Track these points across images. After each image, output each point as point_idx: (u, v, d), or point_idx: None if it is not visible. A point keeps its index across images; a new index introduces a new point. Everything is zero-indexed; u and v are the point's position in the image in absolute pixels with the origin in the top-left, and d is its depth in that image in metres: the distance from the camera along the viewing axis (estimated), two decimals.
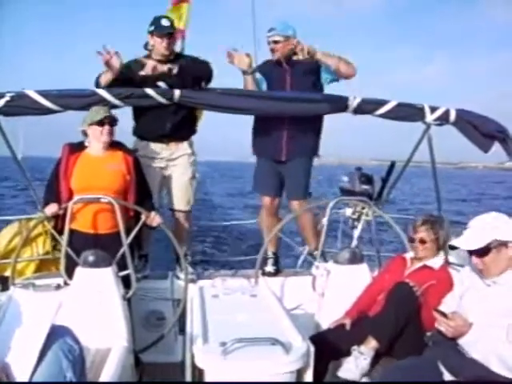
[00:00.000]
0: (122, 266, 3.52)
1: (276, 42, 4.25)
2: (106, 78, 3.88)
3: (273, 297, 3.37)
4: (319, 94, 4.28)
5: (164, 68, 3.92)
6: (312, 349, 2.55)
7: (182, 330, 3.70)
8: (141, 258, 4.25)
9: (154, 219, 3.71)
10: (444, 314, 2.70)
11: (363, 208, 4.68)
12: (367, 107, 4.02)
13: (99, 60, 3.80)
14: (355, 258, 3.80)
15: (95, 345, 3.02)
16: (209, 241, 12.04)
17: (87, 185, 3.64)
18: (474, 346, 2.60)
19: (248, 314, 2.99)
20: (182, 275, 4.12)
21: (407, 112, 4.03)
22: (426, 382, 2.69)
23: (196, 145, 4.47)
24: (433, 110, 3.99)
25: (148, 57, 4.17)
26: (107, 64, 3.82)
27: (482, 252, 2.65)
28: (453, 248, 2.89)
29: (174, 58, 4.19)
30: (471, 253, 2.72)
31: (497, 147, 4.03)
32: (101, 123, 3.64)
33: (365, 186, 4.92)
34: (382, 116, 4.02)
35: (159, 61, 4.10)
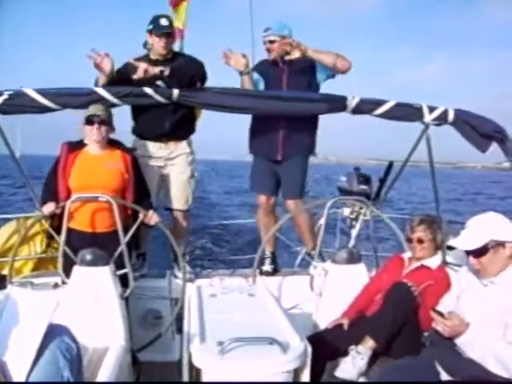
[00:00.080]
0: (119, 264, 3.53)
1: (272, 42, 4.26)
2: (102, 80, 3.89)
3: (270, 296, 3.37)
4: (318, 94, 4.28)
5: (156, 70, 3.91)
6: (309, 348, 2.55)
7: (180, 329, 3.69)
8: (138, 256, 4.25)
9: (152, 218, 3.71)
10: (441, 314, 2.70)
11: (361, 208, 4.69)
12: (366, 107, 4.02)
13: (91, 63, 3.81)
14: (353, 258, 3.80)
15: (92, 343, 3.02)
16: (206, 240, 12.04)
17: (85, 183, 3.64)
18: (470, 346, 2.60)
19: (245, 313, 2.99)
20: (179, 274, 4.12)
21: (405, 112, 4.03)
22: (423, 381, 2.69)
23: (193, 144, 4.47)
24: (431, 109, 3.99)
25: (144, 57, 4.17)
26: (98, 66, 3.83)
27: (479, 252, 2.65)
28: (450, 248, 2.89)
29: (172, 57, 4.19)
30: (468, 253, 2.72)
31: (495, 147, 4.03)
32: (90, 122, 3.63)
33: (363, 186, 4.93)
34: (381, 116, 4.02)
35: (156, 60, 4.10)
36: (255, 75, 4.35)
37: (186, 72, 4.05)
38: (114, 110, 3.86)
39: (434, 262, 3.36)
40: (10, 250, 4.15)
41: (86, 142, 3.75)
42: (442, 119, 4.01)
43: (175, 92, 3.85)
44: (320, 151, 4.57)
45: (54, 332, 2.20)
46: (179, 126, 4.22)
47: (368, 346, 3.01)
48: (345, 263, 3.78)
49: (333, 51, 4.19)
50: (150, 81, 3.92)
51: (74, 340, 2.27)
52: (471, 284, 2.80)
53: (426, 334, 2.97)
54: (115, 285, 3.38)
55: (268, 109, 4.06)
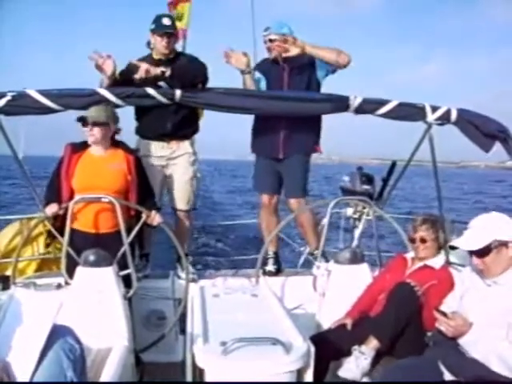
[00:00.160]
0: (122, 265, 3.53)
1: (272, 41, 4.27)
2: (105, 84, 3.91)
3: (273, 296, 3.37)
4: (320, 94, 4.28)
5: (157, 71, 3.90)
6: (312, 349, 2.55)
7: (183, 330, 3.70)
8: (142, 257, 4.25)
9: (155, 218, 3.71)
10: (444, 314, 2.70)
11: (364, 208, 4.68)
12: (368, 107, 4.01)
13: (91, 63, 3.82)
14: (356, 258, 3.80)
15: (96, 344, 3.02)
16: (209, 240, 12.05)
17: (88, 184, 3.65)
18: (474, 346, 2.60)
19: (248, 313, 2.99)
20: (182, 275, 4.12)
21: (408, 112, 4.02)
22: (426, 381, 2.69)
23: (196, 144, 4.47)
24: (434, 109, 3.98)
25: (147, 56, 4.17)
26: (99, 68, 3.84)
27: (483, 252, 2.65)
28: (453, 248, 2.89)
29: (174, 56, 4.19)
30: (472, 253, 2.72)
31: (498, 147, 4.02)
32: (85, 123, 3.64)
33: (366, 186, 4.92)
34: (383, 116, 4.01)
35: (158, 60, 4.10)
36: (257, 74, 4.36)
37: (188, 73, 4.04)
38: (117, 111, 3.87)
39: (437, 261, 3.35)
40: (14, 250, 4.17)
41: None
42: (444, 119, 4.00)
43: (178, 93, 3.85)
44: (323, 151, 4.56)
45: (57, 333, 2.21)
46: (181, 125, 4.23)
47: (371, 346, 3.01)
48: (348, 263, 3.78)
49: (331, 46, 4.21)
50: (151, 81, 3.92)
51: (78, 341, 2.27)
52: (474, 284, 2.79)
53: (429, 333, 2.97)
54: (118, 285, 3.39)
55: (270, 109, 4.06)
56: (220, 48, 4.17)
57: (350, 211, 5.00)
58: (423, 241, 3.36)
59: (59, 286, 3.61)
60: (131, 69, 3.99)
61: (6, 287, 3.62)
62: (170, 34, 4.09)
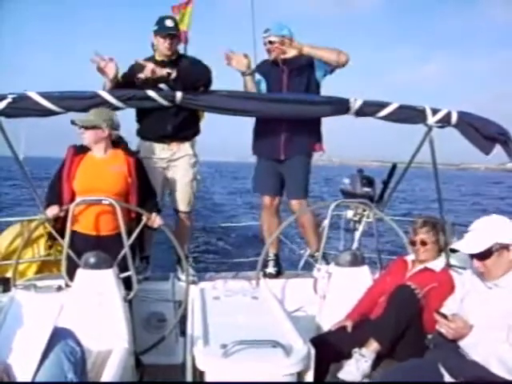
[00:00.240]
0: (123, 267, 3.53)
1: (271, 43, 4.28)
2: (107, 86, 3.92)
3: (274, 299, 3.36)
4: (321, 97, 4.29)
5: (163, 72, 3.91)
6: (313, 351, 2.55)
7: (183, 332, 3.69)
8: (142, 259, 4.24)
9: (155, 221, 3.71)
10: (445, 316, 2.70)
11: (364, 210, 4.69)
12: (369, 109, 4.02)
13: (92, 65, 3.83)
14: (356, 261, 3.79)
15: (96, 346, 3.03)
16: (210, 241, 12.05)
17: (89, 187, 3.65)
18: (474, 348, 2.60)
19: (249, 316, 2.99)
20: (183, 277, 4.12)
21: (409, 114, 4.03)
22: (426, 382, 2.69)
23: (197, 146, 4.47)
24: (434, 112, 3.99)
25: (151, 58, 4.18)
26: (101, 71, 3.85)
27: (484, 255, 2.65)
28: (454, 251, 2.89)
29: (177, 58, 4.20)
30: (472, 256, 2.71)
31: (498, 149, 4.02)
32: (79, 126, 3.67)
33: (366, 189, 4.92)
34: (384, 118, 4.02)
35: (161, 61, 4.11)
36: (257, 76, 4.37)
37: (192, 75, 4.04)
38: (118, 113, 3.87)
39: (437, 264, 3.35)
40: (14, 252, 4.18)
41: None
42: (445, 121, 4.00)
43: (178, 95, 3.86)
44: (325, 149, 4.56)
45: (58, 335, 2.21)
46: (182, 127, 4.23)
47: (372, 348, 3.01)
48: (348, 266, 3.78)
49: (329, 46, 4.22)
50: (155, 82, 3.93)
51: (79, 343, 2.28)
52: (475, 286, 2.79)
53: (429, 336, 2.97)
54: (119, 288, 3.39)
55: (271, 111, 4.06)
56: (220, 50, 4.18)
57: (350, 213, 5.00)
58: (423, 243, 3.36)
59: (60, 288, 3.60)
60: (137, 68, 4.00)
61: (6, 289, 3.62)
62: (173, 35, 4.10)
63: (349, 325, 3.27)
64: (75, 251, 3.54)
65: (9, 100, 3.61)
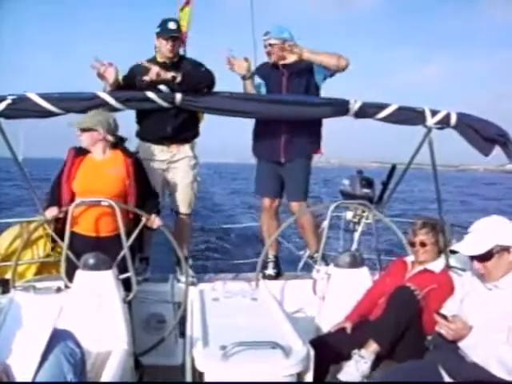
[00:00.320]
0: (122, 268, 3.53)
1: (272, 45, 4.28)
2: (107, 91, 3.91)
3: (273, 300, 3.37)
4: (320, 98, 4.29)
5: (168, 75, 3.90)
6: (312, 352, 2.55)
7: (183, 333, 3.69)
8: (142, 260, 4.25)
9: (154, 221, 3.71)
10: (445, 317, 2.70)
11: (364, 211, 4.69)
12: (368, 111, 4.02)
13: (94, 72, 3.84)
14: (356, 262, 3.80)
15: (95, 347, 3.03)
16: (209, 242, 12.04)
17: (88, 188, 3.66)
18: (474, 350, 2.60)
19: (248, 317, 2.99)
20: (182, 278, 4.11)
21: (408, 116, 4.03)
22: (426, 382, 2.69)
23: (196, 148, 4.47)
24: (433, 113, 3.99)
25: (152, 59, 4.19)
26: (101, 76, 3.85)
27: (485, 257, 2.65)
28: (454, 252, 2.89)
29: (178, 60, 4.20)
30: (473, 257, 2.71)
31: (497, 150, 4.03)
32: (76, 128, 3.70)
33: (365, 190, 4.93)
34: (383, 120, 4.02)
35: (163, 63, 4.10)
36: (257, 79, 4.37)
37: (196, 79, 4.02)
38: (117, 114, 3.87)
39: (437, 265, 3.35)
40: (13, 254, 4.17)
41: None
42: (444, 123, 4.00)
43: (178, 96, 3.86)
44: (323, 152, 4.56)
45: (58, 337, 2.21)
46: (182, 129, 4.23)
47: (371, 349, 3.01)
48: (347, 267, 3.78)
49: (329, 51, 4.21)
50: (158, 85, 3.92)
51: (79, 345, 2.28)
52: (475, 288, 2.79)
53: (429, 337, 2.97)
54: (118, 289, 3.39)
55: (271, 113, 4.07)
56: (220, 51, 4.19)
57: (349, 215, 5.00)
58: (423, 244, 3.36)
59: (59, 290, 3.60)
60: (141, 70, 3.99)
61: (5, 291, 3.61)
62: (175, 37, 4.10)
63: (348, 326, 3.27)
64: (75, 252, 3.54)
65: (8, 101, 3.61)
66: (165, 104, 3.87)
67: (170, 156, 4.29)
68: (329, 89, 4.43)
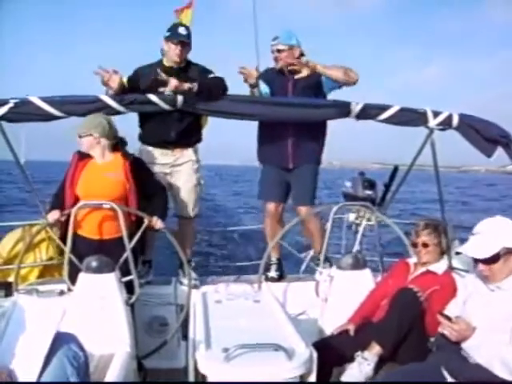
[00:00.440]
0: (125, 271, 3.53)
1: (280, 51, 4.27)
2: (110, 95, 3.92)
3: (276, 302, 3.37)
4: (322, 100, 4.28)
5: (185, 87, 3.90)
6: (315, 355, 2.55)
7: (185, 336, 3.69)
8: (144, 263, 4.25)
9: (157, 223, 3.71)
10: (448, 318, 2.70)
11: (366, 213, 4.68)
12: (370, 112, 4.02)
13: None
14: (358, 264, 3.79)
15: (98, 350, 3.02)
16: (212, 245, 12.04)
17: (89, 192, 3.66)
18: (477, 351, 2.60)
19: (251, 319, 2.99)
20: (185, 281, 4.11)
21: (410, 117, 4.03)
22: (426, 381, 2.68)
23: (199, 152, 4.48)
24: (435, 114, 3.99)
25: (159, 62, 4.20)
26: (105, 84, 3.86)
27: (491, 260, 2.64)
28: (458, 253, 2.89)
29: (185, 66, 4.20)
30: (478, 259, 2.70)
31: (500, 151, 4.02)
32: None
33: (368, 191, 4.93)
34: (385, 121, 4.02)
35: (170, 68, 4.10)
36: (264, 89, 4.34)
37: (211, 88, 4.02)
38: (117, 117, 3.88)
39: (439, 267, 3.34)
40: (16, 257, 4.17)
41: None
42: (446, 124, 4.00)
43: (180, 99, 3.86)
44: (324, 155, 4.56)
45: (61, 340, 2.21)
46: (185, 133, 4.23)
47: (374, 351, 3.00)
48: (350, 269, 3.77)
49: (339, 64, 4.20)
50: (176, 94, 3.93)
51: (82, 348, 2.28)
52: (477, 289, 2.79)
53: (432, 339, 2.96)
54: (121, 291, 3.39)
55: (272, 115, 4.07)
56: (236, 67, 4.20)
57: (352, 216, 5.00)
58: (425, 245, 3.36)
59: (62, 293, 3.60)
60: (158, 83, 3.97)
61: (8, 294, 3.61)
62: (185, 43, 4.10)
63: (351, 328, 3.27)
64: (78, 255, 3.54)
65: (11, 105, 3.63)
66: (166, 106, 3.88)
67: (174, 160, 4.29)
68: (330, 94, 4.43)
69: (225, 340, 2.57)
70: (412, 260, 3.49)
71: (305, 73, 4.20)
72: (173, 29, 4.11)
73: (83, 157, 3.75)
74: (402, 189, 4.46)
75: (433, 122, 3.98)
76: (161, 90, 3.93)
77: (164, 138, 4.21)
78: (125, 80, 4.00)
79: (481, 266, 2.70)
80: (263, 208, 4.64)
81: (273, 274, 4.48)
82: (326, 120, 4.31)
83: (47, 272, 4.57)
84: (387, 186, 4.72)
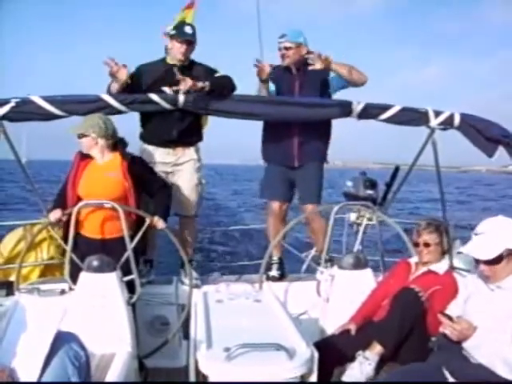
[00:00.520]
0: (126, 270, 3.53)
1: (287, 49, 4.27)
2: (114, 88, 3.92)
3: (277, 302, 3.36)
4: (323, 100, 4.28)
5: (198, 86, 3.89)
6: (316, 354, 2.54)
7: (186, 336, 3.69)
8: (146, 263, 4.24)
9: (158, 223, 3.71)
10: (450, 318, 2.70)
11: (367, 213, 4.68)
12: (371, 112, 4.02)
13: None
14: (359, 263, 3.78)
15: (99, 350, 3.02)
16: (213, 244, 12.05)
17: (90, 192, 3.67)
18: (478, 350, 2.60)
19: (252, 319, 2.98)
20: (186, 280, 4.11)
21: (411, 116, 4.03)
22: (427, 381, 2.68)
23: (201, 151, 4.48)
24: (437, 114, 3.99)
25: (162, 60, 4.21)
26: (113, 75, 3.85)
27: (494, 261, 2.64)
28: (459, 253, 2.89)
29: (189, 64, 4.20)
30: (480, 260, 2.70)
31: (501, 151, 4.02)
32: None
33: (369, 191, 4.93)
34: (386, 121, 4.02)
35: (173, 65, 4.10)
36: (271, 87, 4.32)
37: (221, 88, 4.03)
38: (118, 117, 3.88)
39: (441, 266, 3.34)
40: (17, 256, 4.17)
41: None
42: (447, 124, 4.00)
43: (181, 98, 3.86)
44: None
45: (62, 339, 2.21)
46: (187, 132, 4.23)
47: (375, 351, 3.00)
48: (351, 268, 3.76)
49: (349, 64, 4.20)
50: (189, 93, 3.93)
51: (83, 347, 2.28)
52: (478, 288, 2.79)
53: (433, 339, 2.96)
54: (122, 291, 3.39)
55: (274, 114, 4.07)
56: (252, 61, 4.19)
57: (353, 216, 5.00)
58: (427, 245, 3.36)
59: (63, 292, 3.60)
60: (175, 82, 3.97)
61: (9, 293, 3.62)
62: (190, 42, 4.10)
63: (352, 328, 3.26)
64: (79, 254, 3.54)
65: (12, 104, 3.63)
66: (168, 106, 3.88)
67: (175, 159, 4.29)
68: (336, 94, 4.42)
69: (226, 339, 2.56)
70: (413, 260, 3.49)
71: (318, 66, 4.18)
72: (179, 27, 4.11)
73: (85, 157, 3.76)
74: (402, 188, 4.46)
75: (434, 122, 3.98)
76: (174, 88, 3.94)
77: (165, 137, 4.21)
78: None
79: (482, 267, 2.70)
80: (266, 206, 4.64)
81: (274, 273, 4.47)
82: (328, 119, 4.31)
83: (48, 271, 4.58)
84: (388, 186, 4.72)
